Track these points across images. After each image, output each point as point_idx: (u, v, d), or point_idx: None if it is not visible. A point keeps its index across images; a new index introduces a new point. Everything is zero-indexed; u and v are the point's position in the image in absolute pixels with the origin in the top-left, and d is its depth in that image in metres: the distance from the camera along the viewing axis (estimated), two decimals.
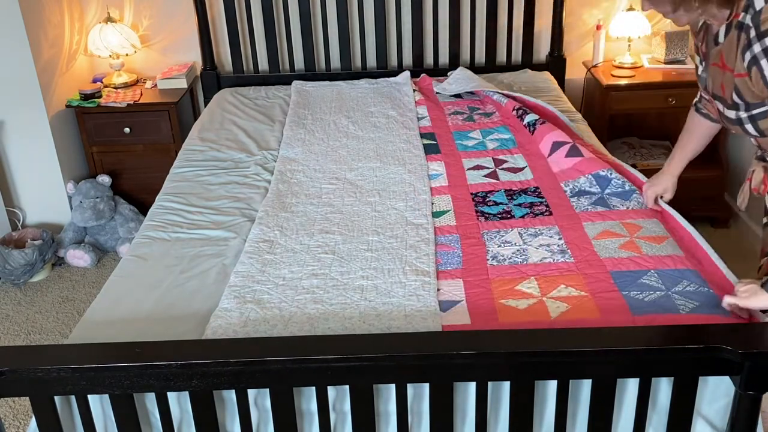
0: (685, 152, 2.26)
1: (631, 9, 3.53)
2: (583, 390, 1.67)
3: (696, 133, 2.22)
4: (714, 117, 2.09)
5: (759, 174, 2.07)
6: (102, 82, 3.68)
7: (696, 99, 2.19)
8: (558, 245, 2.14)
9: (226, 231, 2.36)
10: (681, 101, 3.40)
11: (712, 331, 1.61)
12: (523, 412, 1.62)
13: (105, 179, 3.49)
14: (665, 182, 2.30)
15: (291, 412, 1.63)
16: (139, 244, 2.32)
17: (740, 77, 1.77)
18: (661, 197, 2.33)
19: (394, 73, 3.66)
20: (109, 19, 3.55)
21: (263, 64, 3.76)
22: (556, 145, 2.67)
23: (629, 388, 1.67)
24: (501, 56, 3.73)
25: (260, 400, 1.69)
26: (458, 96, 3.41)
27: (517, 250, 2.14)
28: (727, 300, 1.80)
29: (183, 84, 3.62)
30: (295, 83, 3.61)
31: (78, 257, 3.40)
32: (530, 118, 2.89)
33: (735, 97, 1.81)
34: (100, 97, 3.53)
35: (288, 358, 1.54)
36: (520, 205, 2.40)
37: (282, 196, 2.55)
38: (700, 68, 2.00)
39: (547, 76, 3.60)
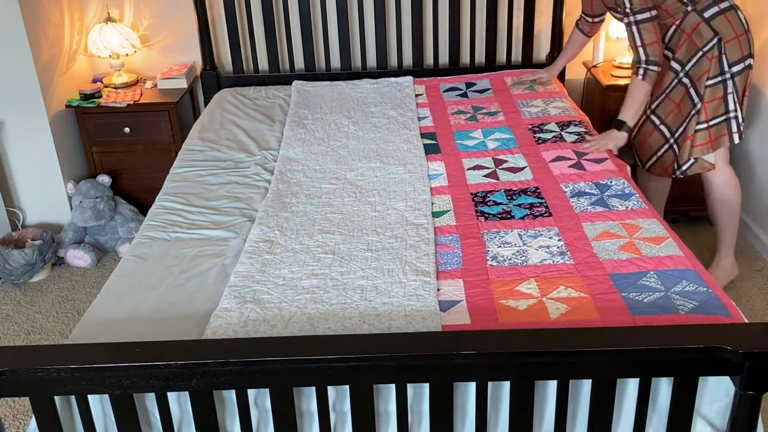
0: (566, 58, 3.40)
1: None
2: (583, 390, 1.67)
3: (575, 43, 3.30)
4: (587, 32, 3.21)
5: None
6: (102, 82, 3.68)
7: (577, 19, 3.21)
8: (558, 247, 2.15)
9: (226, 231, 2.36)
10: None
11: (712, 331, 1.61)
12: (523, 412, 1.62)
13: (105, 179, 3.49)
14: (550, 76, 3.47)
15: (291, 412, 1.63)
16: (139, 244, 2.32)
17: None
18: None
19: (395, 73, 3.66)
20: (109, 19, 3.55)
21: (263, 64, 3.76)
22: (560, 158, 2.70)
23: (629, 388, 1.67)
24: (501, 56, 3.73)
25: (260, 400, 1.69)
26: (463, 95, 3.41)
27: (517, 251, 2.14)
28: (584, 146, 2.76)
29: (183, 84, 3.62)
30: (296, 83, 3.61)
31: (78, 257, 3.40)
32: (545, 136, 2.91)
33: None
34: (100, 97, 3.53)
35: (288, 358, 1.54)
36: (519, 205, 2.40)
37: (282, 196, 2.55)
38: None
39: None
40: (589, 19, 3.13)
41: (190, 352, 1.58)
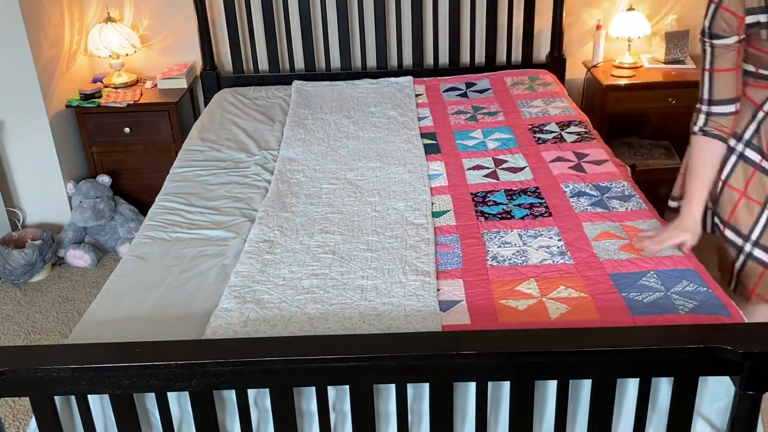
0: (705, 185, 2.04)
1: (631, 9, 3.53)
2: (583, 390, 1.67)
3: (711, 161, 2.03)
4: (729, 131, 1.99)
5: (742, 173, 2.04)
6: (102, 82, 3.68)
7: (701, 123, 2.00)
8: (558, 247, 2.14)
9: (226, 231, 2.36)
10: (681, 101, 3.40)
11: (712, 331, 1.61)
12: (523, 412, 1.62)
13: (105, 179, 3.49)
14: (691, 229, 2.05)
15: (291, 412, 1.63)
16: (139, 244, 2.32)
17: None
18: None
19: (395, 73, 3.66)
20: (109, 19, 3.55)
21: (263, 64, 3.76)
22: (560, 158, 2.70)
23: (629, 388, 1.67)
24: (501, 56, 3.73)
25: (260, 400, 1.69)
26: (463, 95, 3.42)
27: (517, 251, 2.14)
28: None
29: (183, 84, 3.62)
30: (296, 83, 3.61)
31: (78, 257, 3.40)
32: (545, 137, 2.90)
33: None
34: (100, 97, 3.53)
35: (288, 358, 1.54)
36: (519, 205, 2.40)
37: (282, 196, 2.55)
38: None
39: (550, 78, 3.59)
40: (731, 108, 1.98)
41: (190, 352, 1.58)
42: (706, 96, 1.98)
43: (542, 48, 3.74)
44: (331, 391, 1.66)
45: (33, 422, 1.66)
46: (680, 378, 1.59)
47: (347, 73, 3.70)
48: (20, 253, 3.21)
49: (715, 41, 1.93)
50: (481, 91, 3.45)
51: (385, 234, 2.26)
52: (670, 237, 2.05)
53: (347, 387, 1.63)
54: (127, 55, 3.61)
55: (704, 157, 2.03)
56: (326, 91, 3.52)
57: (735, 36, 1.90)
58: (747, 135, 2.02)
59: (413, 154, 2.81)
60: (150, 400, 1.69)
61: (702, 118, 2.00)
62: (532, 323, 1.79)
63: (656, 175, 3.48)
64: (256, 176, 2.75)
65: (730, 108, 1.97)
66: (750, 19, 1.87)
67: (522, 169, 2.66)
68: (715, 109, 1.97)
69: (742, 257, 2.08)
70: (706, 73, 1.97)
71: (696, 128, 2.01)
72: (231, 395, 1.68)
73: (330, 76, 3.70)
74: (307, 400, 1.69)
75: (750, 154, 2.02)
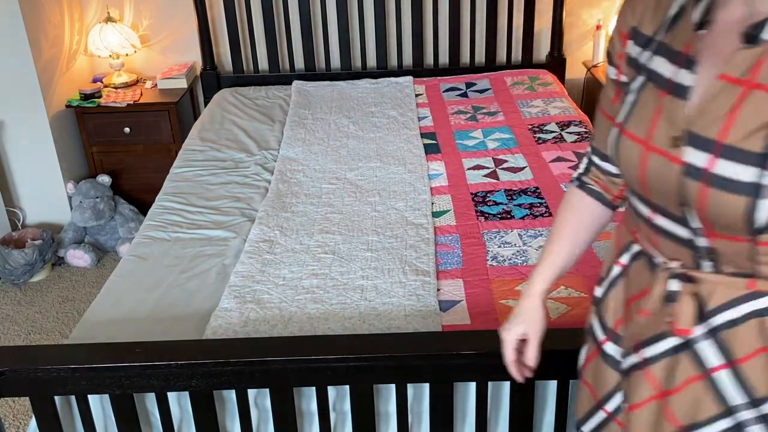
0: (560, 254, 1.30)
1: None
2: None
3: (577, 224, 1.30)
4: (609, 197, 1.27)
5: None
6: (102, 82, 3.68)
7: (581, 169, 1.30)
8: None
9: (226, 231, 2.36)
10: None
11: None
12: (523, 412, 1.62)
13: (105, 179, 3.49)
14: (526, 314, 1.31)
15: (291, 412, 1.63)
16: (139, 244, 2.32)
17: None
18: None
19: (395, 73, 3.66)
20: (109, 19, 3.55)
21: (263, 64, 3.76)
22: (560, 158, 2.70)
23: None
24: (501, 56, 3.73)
25: (260, 400, 1.69)
26: (463, 95, 3.42)
27: (517, 251, 2.14)
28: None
29: (183, 84, 3.62)
30: (296, 83, 3.61)
31: (78, 257, 3.39)
32: (545, 137, 2.90)
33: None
34: (100, 97, 3.53)
35: (288, 358, 1.54)
36: (519, 205, 2.40)
37: (282, 196, 2.55)
38: (635, 83, 1.10)
39: (550, 78, 3.58)
40: (610, 168, 1.24)
41: (190, 352, 1.58)
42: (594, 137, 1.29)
43: (542, 48, 3.75)
44: (331, 391, 1.66)
45: (33, 422, 1.66)
46: None
47: (347, 73, 3.70)
48: (20, 253, 3.21)
49: (609, 65, 1.20)
50: (481, 91, 3.45)
51: (385, 234, 2.26)
52: (505, 337, 1.32)
53: (347, 387, 1.63)
54: (127, 55, 3.61)
55: (567, 218, 1.31)
56: (326, 91, 3.52)
57: (613, 68, 1.18)
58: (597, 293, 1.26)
59: (413, 154, 2.81)
60: (150, 400, 1.69)
61: (584, 162, 1.31)
62: None
63: None
64: (256, 176, 2.75)
65: (609, 167, 1.24)
66: (632, 48, 1.12)
67: (522, 169, 2.66)
68: (596, 159, 1.27)
69: None
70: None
71: (574, 174, 1.32)
72: (231, 395, 1.68)
73: (330, 76, 3.70)
74: (307, 400, 1.69)
75: (594, 325, 1.26)
